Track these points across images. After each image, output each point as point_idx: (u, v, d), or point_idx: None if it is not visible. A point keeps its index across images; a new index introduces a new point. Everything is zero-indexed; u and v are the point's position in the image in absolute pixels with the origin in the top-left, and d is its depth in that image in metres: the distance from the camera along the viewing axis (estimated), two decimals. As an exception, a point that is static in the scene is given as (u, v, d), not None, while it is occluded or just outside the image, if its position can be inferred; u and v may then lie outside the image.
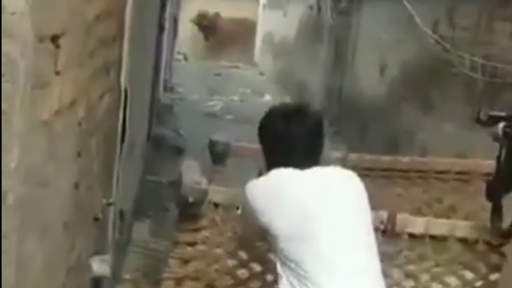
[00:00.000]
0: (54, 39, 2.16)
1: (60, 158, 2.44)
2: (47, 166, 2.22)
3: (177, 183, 3.53)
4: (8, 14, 1.66)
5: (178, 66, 18.63)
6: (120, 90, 4.02)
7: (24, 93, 1.82)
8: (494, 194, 3.54)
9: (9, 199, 1.72)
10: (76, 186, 2.83)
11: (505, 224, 3.42)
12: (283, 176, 2.71)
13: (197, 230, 3.41)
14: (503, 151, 3.49)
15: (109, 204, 3.83)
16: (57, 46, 2.21)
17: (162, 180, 7.43)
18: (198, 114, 13.57)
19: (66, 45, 2.29)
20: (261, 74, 20.83)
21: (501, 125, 3.47)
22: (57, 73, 2.26)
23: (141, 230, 5.71)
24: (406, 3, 8.20)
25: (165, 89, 14.37)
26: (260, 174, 2.89)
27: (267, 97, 16.73)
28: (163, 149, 9.57)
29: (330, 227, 2.60)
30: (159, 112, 11.03)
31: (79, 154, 2.82)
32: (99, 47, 3.13)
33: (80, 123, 2.79)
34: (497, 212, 3.48)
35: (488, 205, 3.68)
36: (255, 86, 17.94)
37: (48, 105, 2.17)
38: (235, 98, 16.19)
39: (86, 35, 2.70)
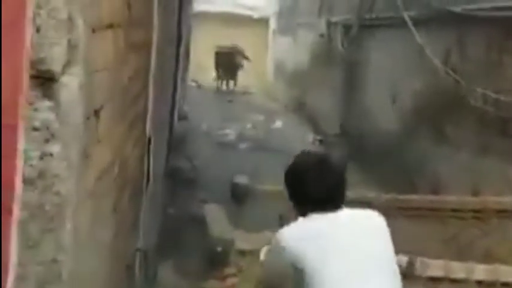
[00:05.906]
0: (96, 113, 2.31)
1: (102, 217, 2.59)
2: (93, 228, 2.37)
3: (199, 222, 3.63)
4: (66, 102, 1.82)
5: (190, 93, 18.82)
6: (145, 139, 4.17)
7: (75, 170, 1.97)
8: None
9: (63, 274, 1.87)
10: (115, 237, 2.98)
11: None
12: (319, 220, 2.88)
13: (225, 277, 3.53)
14: None
15: (137, 250, 3.97)
16: (98, 117, 2.36)
17: (182, 214, 7.55)
18: (211, 142, 13.70)
19: (106, 114, 2.45)
20: (274, 100, 20.99)
21: None
22: (99, 141, 2.41)
23: (166, 269, 5.82)
24: (417, 37, 8.34)
25: (179, 117, 14.51)
26: (281, 219, 2.96)
27: (278, 123, 16.89)
28: (178, 181, 9.69)
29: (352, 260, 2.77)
30: (172, 142, 11.16)
31: (115, 209, 2.97)
32: (131, 104, 3.28)
33: (115, 180, 2.94)
34: None
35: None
36: (268, 113, 18.08)
37: (91, 173, 2.33)
38: (249, 125, 16.30)
39: (122, 99, 2.85)
